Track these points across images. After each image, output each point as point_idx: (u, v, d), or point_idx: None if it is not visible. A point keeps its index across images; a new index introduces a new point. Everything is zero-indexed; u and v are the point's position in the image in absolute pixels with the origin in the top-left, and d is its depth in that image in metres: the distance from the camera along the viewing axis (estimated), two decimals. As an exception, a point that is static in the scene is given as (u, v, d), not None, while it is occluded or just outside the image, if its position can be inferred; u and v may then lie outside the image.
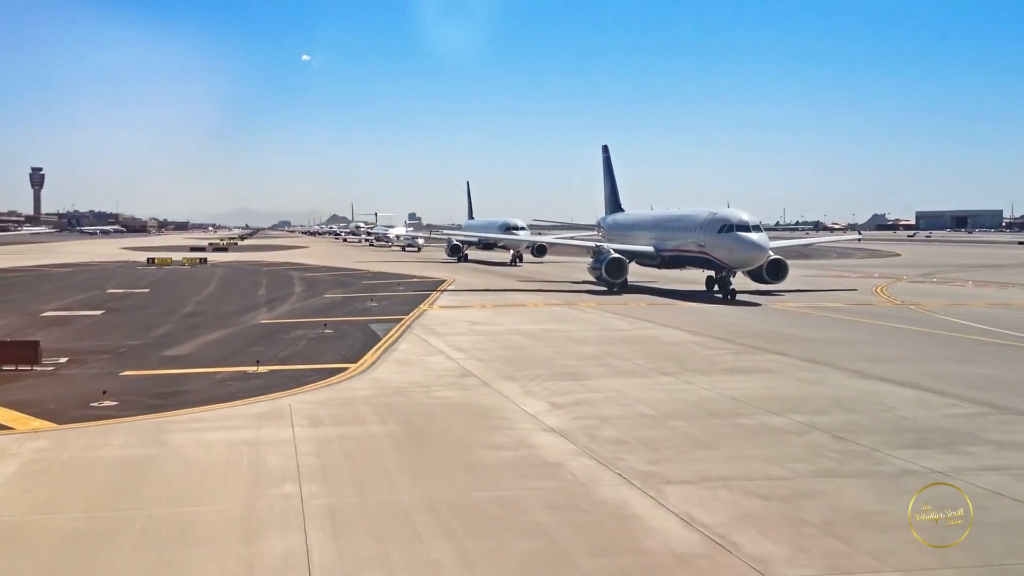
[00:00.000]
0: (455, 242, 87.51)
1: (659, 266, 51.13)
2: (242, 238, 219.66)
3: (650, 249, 50.68)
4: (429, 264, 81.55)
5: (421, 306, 39.11)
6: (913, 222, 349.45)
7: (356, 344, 26.83)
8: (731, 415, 17.00)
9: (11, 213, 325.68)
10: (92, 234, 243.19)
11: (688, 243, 45.82)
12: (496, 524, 10.97)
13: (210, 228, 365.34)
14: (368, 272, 66.73)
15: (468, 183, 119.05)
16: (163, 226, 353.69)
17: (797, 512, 11.38)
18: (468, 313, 36.56)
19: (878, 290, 48.79)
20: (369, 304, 39.85)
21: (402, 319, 33.39)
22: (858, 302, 42.04)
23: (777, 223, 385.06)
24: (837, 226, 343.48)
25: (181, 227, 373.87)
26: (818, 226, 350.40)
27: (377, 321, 32.68)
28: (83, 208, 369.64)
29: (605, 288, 47.59)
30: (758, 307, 39.68)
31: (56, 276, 61.28)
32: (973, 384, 20.34)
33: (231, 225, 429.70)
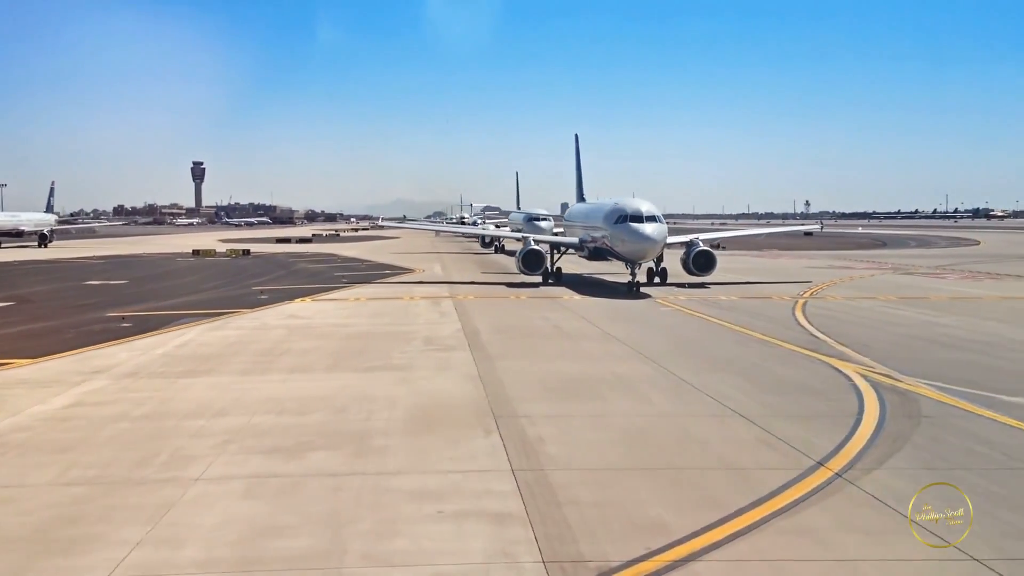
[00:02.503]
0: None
1: (587, 258, 49.04)
2: (365, 228, 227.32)
3: (575, 241, 49.23)
4: (458, 255, 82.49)
5: (300, 298, 39.63)
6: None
7: (112, 336, 27.54)
8: (214, 416, 16.66)
9: (173, 206, 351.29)
10: (237, 225, 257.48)
11: (600, 235, 44.21)
12: None
13: (352, 220, 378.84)
14: (369, 263, 68.20)
15: (517, 173, 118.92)
16: (313, 218, 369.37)
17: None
18: (325, 305, 37.01)
19: (826, 284, 45.86)
20: (260, 297, 40.89)
21: (236, 312, 34.24)
22: (764, 295, 39.73)
23: (935, 210, 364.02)
24: (1001, 213, 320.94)
25: (330, 219, 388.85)
26: (978, 213, 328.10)
27: (212, 314, 33.48)
28: (243, 201, 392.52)
29: (540, 280, 46.77)
30: (644, 301, 37.95)
31: (69, 268, 65.17)
32: (556, 385, 19.30)
33: (385, 216, 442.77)
